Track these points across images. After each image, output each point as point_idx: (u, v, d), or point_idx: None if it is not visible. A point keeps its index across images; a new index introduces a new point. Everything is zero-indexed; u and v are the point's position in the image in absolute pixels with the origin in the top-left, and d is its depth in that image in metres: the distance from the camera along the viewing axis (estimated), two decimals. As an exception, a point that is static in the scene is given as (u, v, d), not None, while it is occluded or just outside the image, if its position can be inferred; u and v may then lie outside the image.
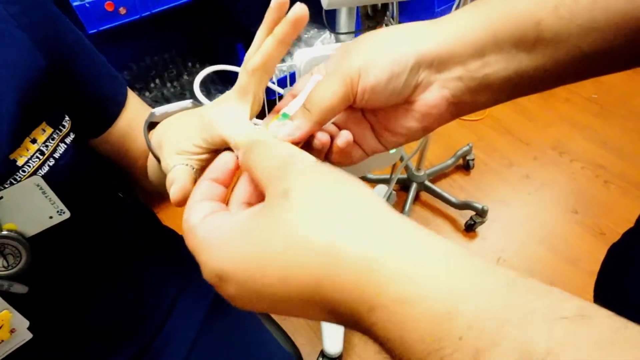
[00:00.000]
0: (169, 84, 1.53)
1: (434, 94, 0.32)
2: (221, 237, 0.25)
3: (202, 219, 0.27)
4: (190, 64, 1.60)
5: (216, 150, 0.36)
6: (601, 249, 1.54)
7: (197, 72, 1.57)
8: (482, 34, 0.30)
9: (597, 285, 0.57)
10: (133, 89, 1.50)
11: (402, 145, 0.36)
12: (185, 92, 1.52)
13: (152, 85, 1.52)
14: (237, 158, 0.32)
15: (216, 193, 0.30)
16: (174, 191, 0.33)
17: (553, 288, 0.19)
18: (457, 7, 0.99)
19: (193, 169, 0.35)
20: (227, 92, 0.36)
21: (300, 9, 0.31)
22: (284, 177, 0.25)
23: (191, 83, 1.54)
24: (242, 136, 0.33)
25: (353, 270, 0.20)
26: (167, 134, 0.39)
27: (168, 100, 1.50)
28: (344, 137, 0.34)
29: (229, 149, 0.34)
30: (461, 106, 0.33)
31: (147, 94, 1.50)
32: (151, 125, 0.45)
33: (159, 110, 0.43)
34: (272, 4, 0.33)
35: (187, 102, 0.42)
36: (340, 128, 0.36)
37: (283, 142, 0.31)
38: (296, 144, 0.32)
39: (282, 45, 0.32)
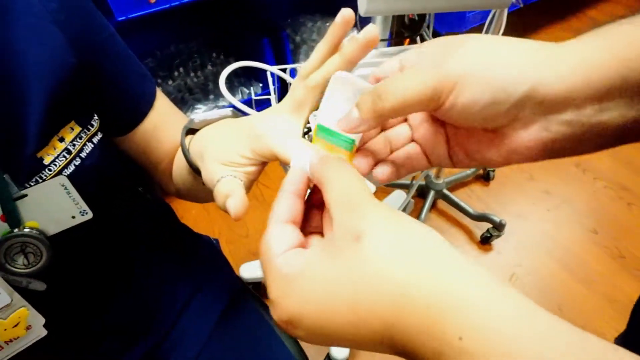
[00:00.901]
0: (192, 74, 1.53)
1: (533, 134, 0.27)
2: (294, 281, 0.24)
3: (283, 252, 0.26)
4: (214, 55, 1.59)
5: (263, 162, 0.35)
6: (619, 273, 1.49)
7: (221, 64, 1.57)
8: (609, 74, 0.25)
9: (631, 324, 0.54)
10: (157, 76, 1.50)
11: (471, 168, 0.34)
12: (208, 83, 1.52)
13: (176, 73, 1.52)
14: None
15: (297, 210, 0.28)
16: (235, 207, 0.32)
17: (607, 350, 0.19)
18: (492, 18, 0.96)
19: (241, 181, 0.34)
20: (282, 103, 0.35)
21: (372, 31, 0.29)
22: (357, 218, 0.24)
23: (215, 74, 1.53)
24: (295, 152, 0.31)
25: (420, 321, 0.21)
26: (210, 143, 0.38)
27: (191, 90, 1.50)
28: (379, 174, 0.32)
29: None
30: (556, 151, 0.28)
31: (170, 82, 1.50)
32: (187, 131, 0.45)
33: (199, 117, 0.42)
34: (337, 19, 0.31)
35: (227, 111, 0.42)
36: (413, 131, 0.33)
37: (356, 172, 0.28)
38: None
39: (349, 66, 0.31)
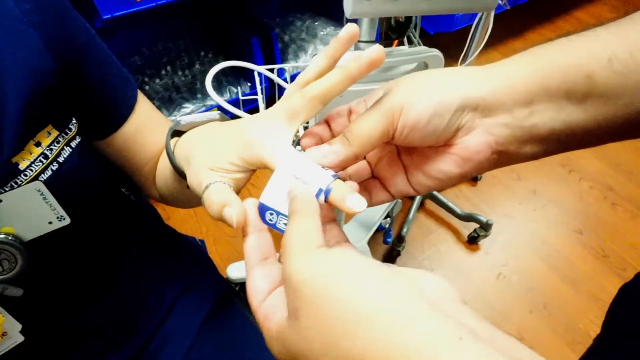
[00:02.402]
0: (180, 72, 1.52)
1: (478, 139, 0.31)
2: (270, 336, 0.27)
3: (261, 302, 0.28)
4: (202, 53, 1.58)
5: (252, 170, 0.34)
6: (603, 272, 1.52)
7: (209, 62, 1.55)
8: (530, 82, 0.29)
9: (606, 324, 0.55)
10: (144, 74, 1.48)
11: (433, 190, 0.35)
12: (196, 82, 1.50)
13: (163, 72, 1.50)
14: None
15: (266, 243, 0.31)
16: (238, 216, 0.31)
17: None
18: (480, 19, 0.97)
19: (230, 187, 0.33)
20: (274, 110, 0.34)
21: (378, 51, 0.30)
22: (294, 293, 0.25)
23: (202, 73, 1.52)
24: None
25: None
26: (197, 147, 0.37)
27: (178, 89, 1.48)
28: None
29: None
30: (505, 155, 0.31)
31: (157, 80, 1.49)
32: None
33: (186, 119, 0.42)
34: (342, 34, 0.31)
35: (214, 114, 0.42)
36: (371, 166, 0.36)
37: (302, 222, 0.28)
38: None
39: (350, 82, 0.31)
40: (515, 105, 0.29)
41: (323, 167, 0.31)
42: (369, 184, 0.36)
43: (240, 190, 0.35)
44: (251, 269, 0.29)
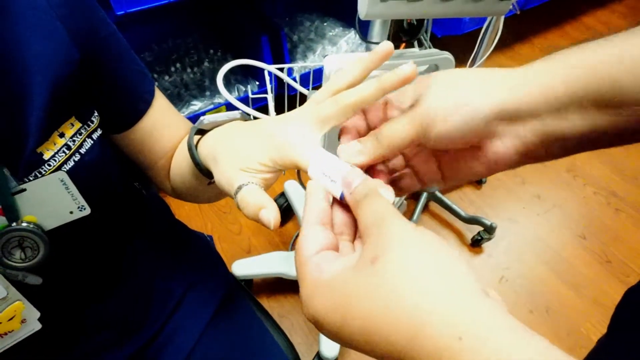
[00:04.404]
0: (189, 69, 1.52)
1: (505, 144, 0.32)
2: (321, 287, 0.26)
3: (314, 254, 0.28)
4: (212, 51, 1.58)
5: (281, 170, 0.36)
6: (606, 277, 1.51)
7: (218, 60, 1.56)
8: (561, 92, 0.30)
9: (611, 328, 0.56)
10: (153, 71, 1.49)
11: (459, 183, 0.37)
12: (204, 80, 1.51)
13: (172, 69, 1.51)
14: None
15: (326, 212, 0.31)
16: (275, 219, 0.33)
17: None
18: (489, 25, 0.98)
19: (260, 187, 0.35)
20: (304, 113, 0.36)
21: (412, 69, 0.32)
22: (378, 240, 0.25)
23: (211, 71, 1.53)
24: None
25: (435, 351, 0.21)
26: (224, 146, 0.39)
27: (187, 86, 1.49)
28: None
29: None
30: (531, 156, 0.33)
31: (166, 77, 1.50)
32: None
33: (208, 118, 0.43)
34: (379, 49, 0.34)
35: (236, 113, 0.43)
36: (406, 159, 0.38)
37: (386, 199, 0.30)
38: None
39: (382, 94, 0.33)
40: (545, 113, 0.31)
41: (353, 165, 0.33)
42: (406, 175, 0.38)
43: (269, 188, 0.37)
44: (309, 224, 0.30)
